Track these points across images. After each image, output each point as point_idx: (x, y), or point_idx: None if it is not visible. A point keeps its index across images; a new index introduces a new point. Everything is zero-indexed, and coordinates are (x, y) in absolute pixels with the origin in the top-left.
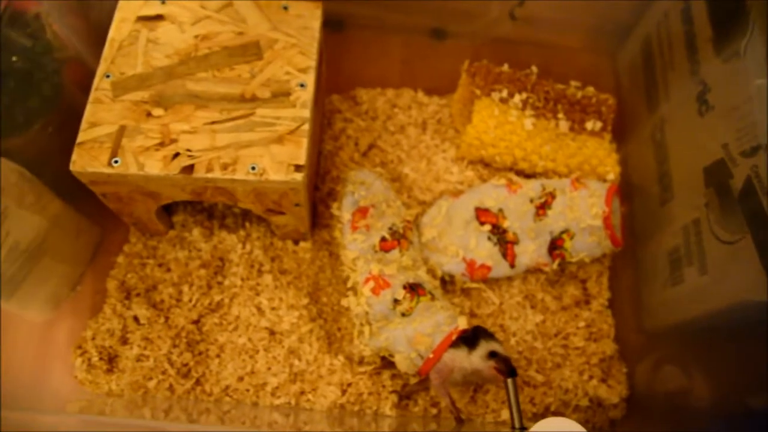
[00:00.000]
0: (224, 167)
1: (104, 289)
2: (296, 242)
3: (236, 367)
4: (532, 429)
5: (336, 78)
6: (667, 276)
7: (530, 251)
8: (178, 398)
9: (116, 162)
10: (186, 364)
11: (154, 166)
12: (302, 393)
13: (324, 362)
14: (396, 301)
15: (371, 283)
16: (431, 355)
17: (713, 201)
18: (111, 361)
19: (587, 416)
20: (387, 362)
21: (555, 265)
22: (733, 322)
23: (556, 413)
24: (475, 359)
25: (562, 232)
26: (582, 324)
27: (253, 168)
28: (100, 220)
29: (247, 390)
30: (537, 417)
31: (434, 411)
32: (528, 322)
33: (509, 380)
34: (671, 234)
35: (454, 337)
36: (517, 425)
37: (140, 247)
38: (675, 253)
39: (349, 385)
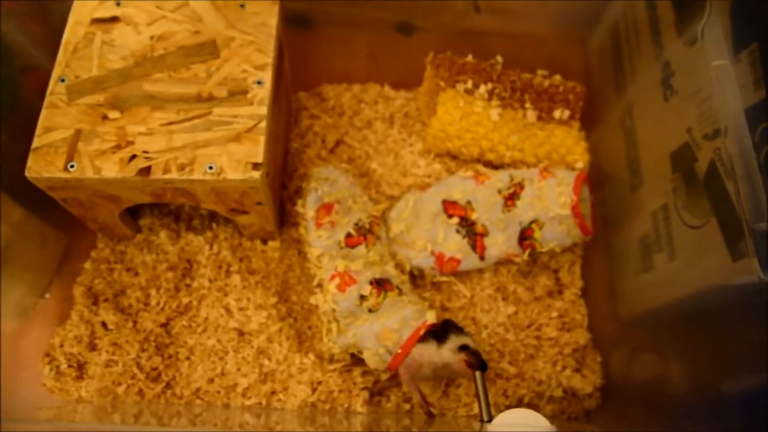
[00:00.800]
0: (181, 168)
1: (72, 296)
2: (264, 242)
3: (206, 369)
4: (494, 421)
5: (302, 75)
6: (638, 263)
7: (500, 242)
8: (149, 402)
9: (72, 166)
10: (155, 368)
11: (111, 169)
12: (273, 393)
13: (294, 361)
14: (362, 297)
15: (337, 280)
16: (399, 351)
17: (680, 186)
18: (80, 367)
19: (562, 407)
20: (357, 359)
21: (526, 256)
22: (703, 307)
23: (530, 405)
24: (444, 353)
25: (532, 222)
26: (555, 314)
27: (211, 168)
28: (66, 227)
29: (218, 392)
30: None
31: (407, 407)
32: (500, 314)
33: (477, 373)
34: (641, 220)
35: (422, 332)
36: (485, 418)
37: (108, 252)
38: (645, 240)
39: (320, 383)
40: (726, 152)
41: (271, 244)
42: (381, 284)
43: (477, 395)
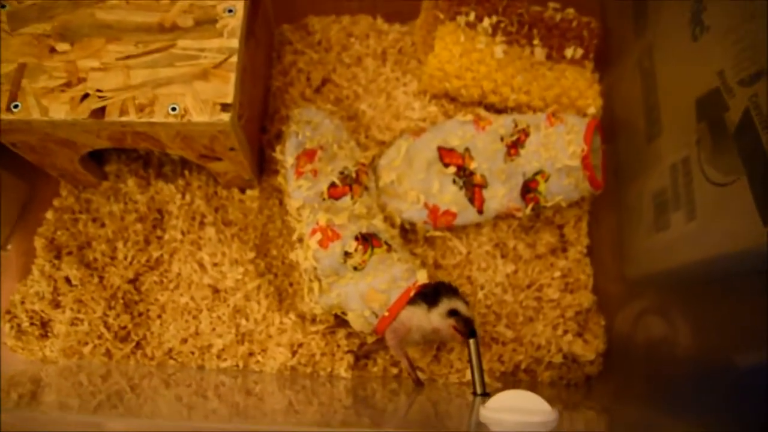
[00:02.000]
0: (140, 109)
1: (33, 248)
2: (242, 190)
3: (179, 328)
4: (488, 404)
5: (286, 6)
6: (651, 221)
7: (500, 195)
8: (117, 364)
9: (16, 107)
10: (124, 327)
11: (60, 110)
12: (251, 354)
13: (273, 321)
14: (347, 254)
15: (318, 235)
16: (386, 314)
17: (705, 137)
18: (43, 326)
19: (561, 373)
20: (341, 321)
21: (528, 210)
22: (723, 273)
23: (527, 371)
24: (434, 318)
25: (536, 174)
26: (557, 274)
27: (174, 109)
28: (26, 173)
29: (192, 352)
30: (506, 376)
31: (394, 371)
32: (498, 273)
33: (471, 341)
34: (658, 175)
35: (412, 294)
36: (478, 390)
37: (71, 201)
38: (661, 196)
39: (300, 345)
40: (765, 100)
41: (249, 193)
42: (368, 240)
43: (470, 365)
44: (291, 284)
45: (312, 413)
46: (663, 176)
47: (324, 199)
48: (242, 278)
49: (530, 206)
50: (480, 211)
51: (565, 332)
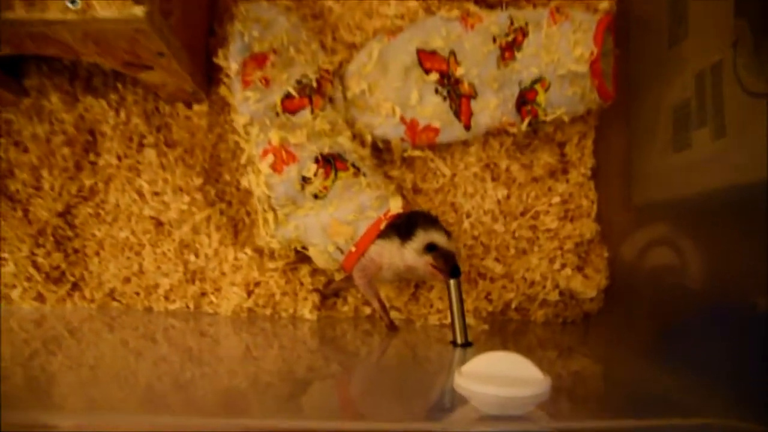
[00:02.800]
0: (29, 2)
1: None
2: (188, 105)
3: (120, 266)
4: (463, 368)
5: None
6: (669, 139)
7: (492, 107)
8: (52, 308)
9: None
10: (57, 267)
11: None
12: (203, 295)
13: (227, 257)
14: (305, 180)
15: (270, 157)
16: (353, 249)
17: (745, 37)
18: None
19: (557, 311)
20: (304, 255)
21: (524, 125)
22: (752, 203)
23: (518, 310)
24: (408, 254)
25: (535, 82)
26: (556, 200)
27: (73, 2)
28: None
29: (137, 293)
30: (494, 316)
31: (367, 311)
32: (487, 198)
33: (452, 282)
34: (680, 84)
35: (382, 225)
36: (459, 340)
37: None
38: (683, 109)
39: (258, 284)
40: None
41: (197, 108)
42: (331, 162)
43: (450, 310)
44: (248, 213)
45: (272, 358)
46: (686, 86)
47: (277, 114)
48: (188, 208)
49: (527, 120)
50: (467, 127)
51: (563, 266)
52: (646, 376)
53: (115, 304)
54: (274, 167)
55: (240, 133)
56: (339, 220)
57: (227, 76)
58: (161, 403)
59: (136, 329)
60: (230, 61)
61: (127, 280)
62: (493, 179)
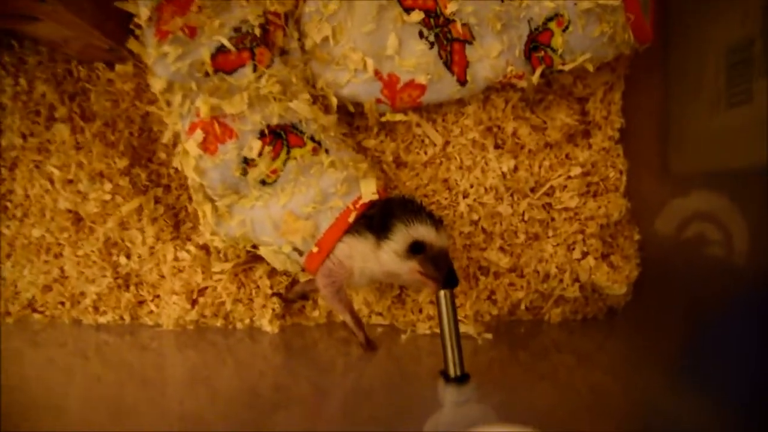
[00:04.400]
0: None
1: None
2: (110, 65)
3: (37, 272)
4: None
5: None
6: (721, 92)
7: (493, 55)
8: None
9: None
10: None
11: None
12: (140, 304)
13: (165, 257)
14: (247, 162)
15: (199, 134)
16: (315, 250)
17: None
18: None
19: (576, 307)
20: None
21: (536, 78)
22: None
23: (529, 310)
24: (387, 256)
25: (549, 20)
26: (576, 171)
27: None
28: None
29: (61, 303)
30: (499, 319)
31: None
32: (489, 172)
33: (442, 293)
34: (738, 21)
35: (351, 218)
36: (452, 372)
37: None
38: (741, 52)
39: (203, 291)
40: None
41: (120, 69)
42: (281, 136)
43: (441, 329)
44: (191, 200)
45: (227, 377)
46: (747, 22)
47: (207, 75)
48: (112, 198)
49: (539, 71)
50: (462, 81)
51: (585, 255)
52: (676, 395)
53: (36, 316)
54: (205, 147)
55: (159, 102)
56: (294, 212)
57: (137, 25)
58: None
59: (63, 345)
60: (139, 5)
61: (47, 288)
62: (497, 147)
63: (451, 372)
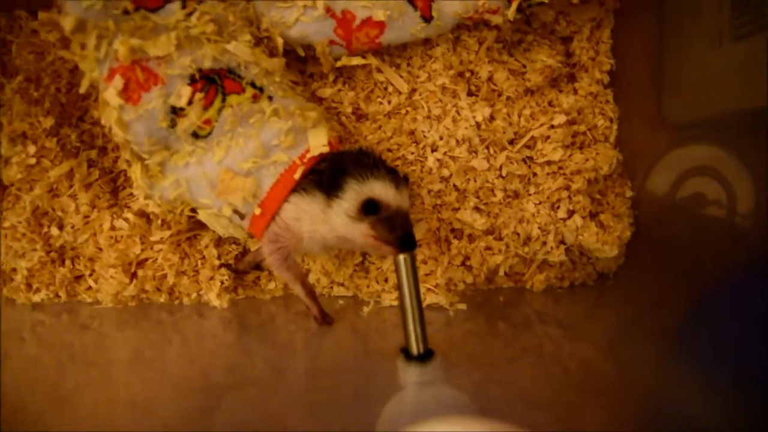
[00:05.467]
0: None
1: None
2: (32, 13)
3: None
4: None
5: None
6: (724, 23)
7: None
8: None
9: None
10: None
11: None
12: (77, 279)
13: (102, 226)
14: (176, 112)
15: (118, 81)
16: (257, 212)
17: None
18: None
19: (561, 272)
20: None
21: (513, 11)
22: None
23: (509, 276)
24: (337, 218)
25: None
26: (561, 119)
27: None
28: None
29: None
30: (473, 292)
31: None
32: (461, 122)
33: (401, 258)
34: None
35: (298, 174)
36: (414, 348)
37: None
38: None
39: (143, 262)
40: None
41: (44, 16)
42: (216, 81)
43: (401, 300)
44: (129, 162)
45: (175, 357)
46: None
47: (126, 12)
48: (37, 162)
49: (516, 3)
50: (427, 17)
51: (571, 213)
52: (672, 368)
53: None
54: (127, 95)
55: (72, 45)
56: (232, 169)
57: None
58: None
59: None
60: None
61: None
62: (470, 94)
63: (413, 349)
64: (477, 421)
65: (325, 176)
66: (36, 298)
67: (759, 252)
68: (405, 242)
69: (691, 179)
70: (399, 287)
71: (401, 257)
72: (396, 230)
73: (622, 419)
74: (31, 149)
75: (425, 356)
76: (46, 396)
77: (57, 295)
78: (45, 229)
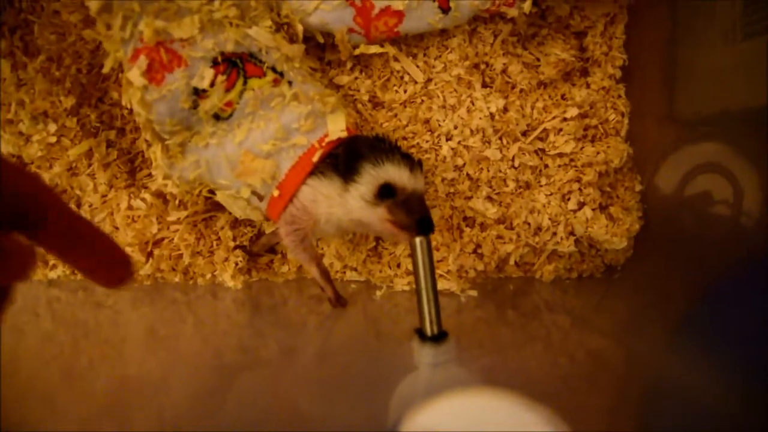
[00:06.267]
0: None
1: None
2: None
3: None
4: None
5: None
6: (736, 20)
7: None
8: None
9: None
10: None
11: None
12: None
13: (119, 205)
14: (198, 93)
15: (143, 61)
16: (276, 194)
17: None
18: None
19: (570, 263)
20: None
21: (528, 4)
22: None
23: (519, 266)
24: (354, 202)
25: None
26: (573, 112)
27: None
28: None
29: None
30: (484, 279)
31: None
32: (475, 112)
33: (417, 240)
34: None
35: (316, 158)
36: (429, 330)
37: None
38: None
39: (159, 242)
40: None
41: None
42: (238, 65)
43: (416, 283)
44: (148, 143)
45: (188, 336)
46: None
47: None
48: (58, 141)
49: None
50: (445, 8)
51: (581, 205)
52: (679, 360)
53: None
54: (151, 76)
55: (97, 25)
56: (252, 151)
57: None
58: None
59: (11, 302)
60: None
61: None
62: (485, 85)
63: (428, 330)
64: (488, 395)
65: (341, 160)
66: (52, 275)
67: (764, 247)
68: (422, 225)
69: (699, 175)
70: (414, 270)
71: (417, 240)
72: (413, 214)
73: (628, 407)
74: (52, 128)
75: (439, 337)
76: (60, 371)
77: (73, 272)
78: None
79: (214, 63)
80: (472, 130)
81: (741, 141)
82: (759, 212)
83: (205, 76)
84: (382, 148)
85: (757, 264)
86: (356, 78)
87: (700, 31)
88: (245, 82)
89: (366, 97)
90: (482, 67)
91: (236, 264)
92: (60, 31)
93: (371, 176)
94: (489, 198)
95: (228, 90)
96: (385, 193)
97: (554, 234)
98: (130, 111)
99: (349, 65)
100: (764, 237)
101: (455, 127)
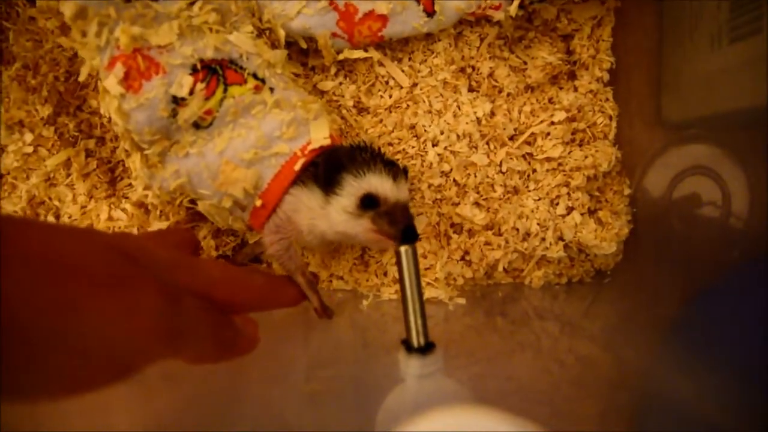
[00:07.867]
0: None
1: None
2: (31, 0)
3: None
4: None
5: None
6: (722, 24)
7: None
8: None
9: None
10: None
11: None
12: None
13: (99, 216)
14: (177, 101)
15: (119, 69)
16: (258, 204)
17: None
18: None
19: (559, 269)
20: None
21: (515, 7)
22: None
23: (508, 272)
24: (336, 214)
25: None
26: (561, 116)
27: None
28: None
29: None
30: (472, 286)
31: (301, 279)
32: (462, 117)
33: (403, 249)
34: None
35: (298, 166)
36: (415, 341)
37: None
38: None
39: None
40: None
41: (42, 4)
42: (218, 72)
43: (402, 293)
44: (128, 153)
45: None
46: None
47: (127, 0)
48: (34, 151)
49: (518, 0)
50: (430, 12)
51: (570, 210)
52: (670, 365)
53: None
54: (128, 84)
55: (72, 32)
56: (233, 160)
57: None
58: None
59: None
60: None
61: None
62: (471, 89)
63: (414, 341)
64: (478, 411)
65: (320, 174)
66: None
67: (753, 250)
68: (407, 234)
69: (688, 178)
70: (400, 279)
71: (402, 249)
72: (397, 223)
73: (619, 413)
74: (28, 137)
75: (426, 348)
76: None
77: None
78: (41, 219)
79: (194, 70)
80: (458, 135)
81: (729, 143)
82: (747, 214)
83: (183, 84)
84: (363, 157)
85: (747, 266)
86: (340, 83)
87: (687, 34)
88: (225, 90)
89: (350, 103)
90: (468, 71)
91: None
92: (36, 38)
93: (353, 187)
94: (476, 204)
95: (208, 98)
96: (368, 203)
97: (543, 239)
98: (109, 119)
99: (333, 70)
100: (753, 239)
101: (441, 133)
